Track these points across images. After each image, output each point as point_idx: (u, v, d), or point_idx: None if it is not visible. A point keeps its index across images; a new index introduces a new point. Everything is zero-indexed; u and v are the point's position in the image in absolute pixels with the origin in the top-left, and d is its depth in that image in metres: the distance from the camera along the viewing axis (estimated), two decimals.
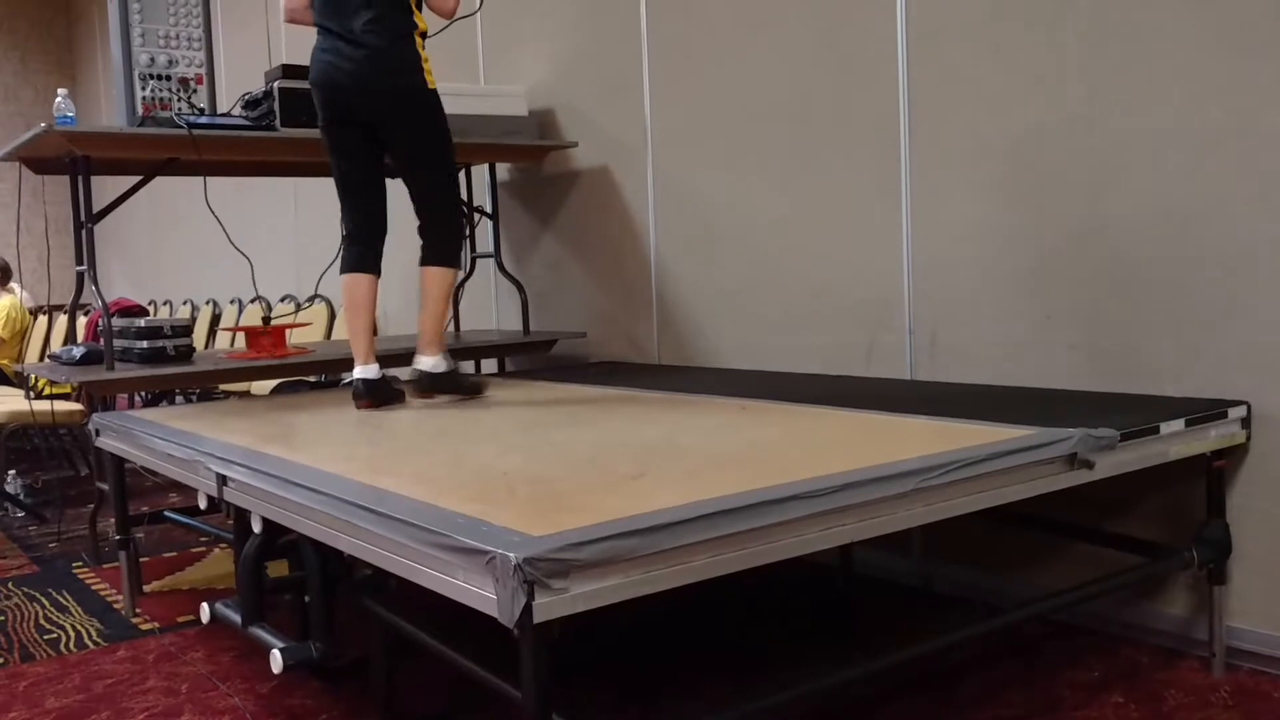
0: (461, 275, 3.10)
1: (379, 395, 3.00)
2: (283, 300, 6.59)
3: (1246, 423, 2.39)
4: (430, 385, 3.05)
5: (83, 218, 3.40)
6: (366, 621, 2.19)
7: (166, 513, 3.67)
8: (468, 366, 4.42)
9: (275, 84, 3.61)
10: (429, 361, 3.04)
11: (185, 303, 8.15)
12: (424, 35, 3.03)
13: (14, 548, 4.22)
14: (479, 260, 4.62)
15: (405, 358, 3.25)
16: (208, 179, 3.60)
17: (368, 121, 3.01)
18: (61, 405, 4.73)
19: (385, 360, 3.17)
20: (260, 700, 2.51)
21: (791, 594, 3.06)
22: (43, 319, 7.62)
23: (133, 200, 3.69)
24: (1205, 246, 2.45)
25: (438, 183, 3.09)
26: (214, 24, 3.78)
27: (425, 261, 3.07)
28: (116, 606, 3.31)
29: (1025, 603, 2.55)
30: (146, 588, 3.48)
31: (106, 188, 3.46)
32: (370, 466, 2.14)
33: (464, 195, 3.01)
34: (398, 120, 3.00)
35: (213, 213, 3.65)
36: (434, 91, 3.02)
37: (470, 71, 4.83)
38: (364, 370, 3.01)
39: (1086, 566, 2.64)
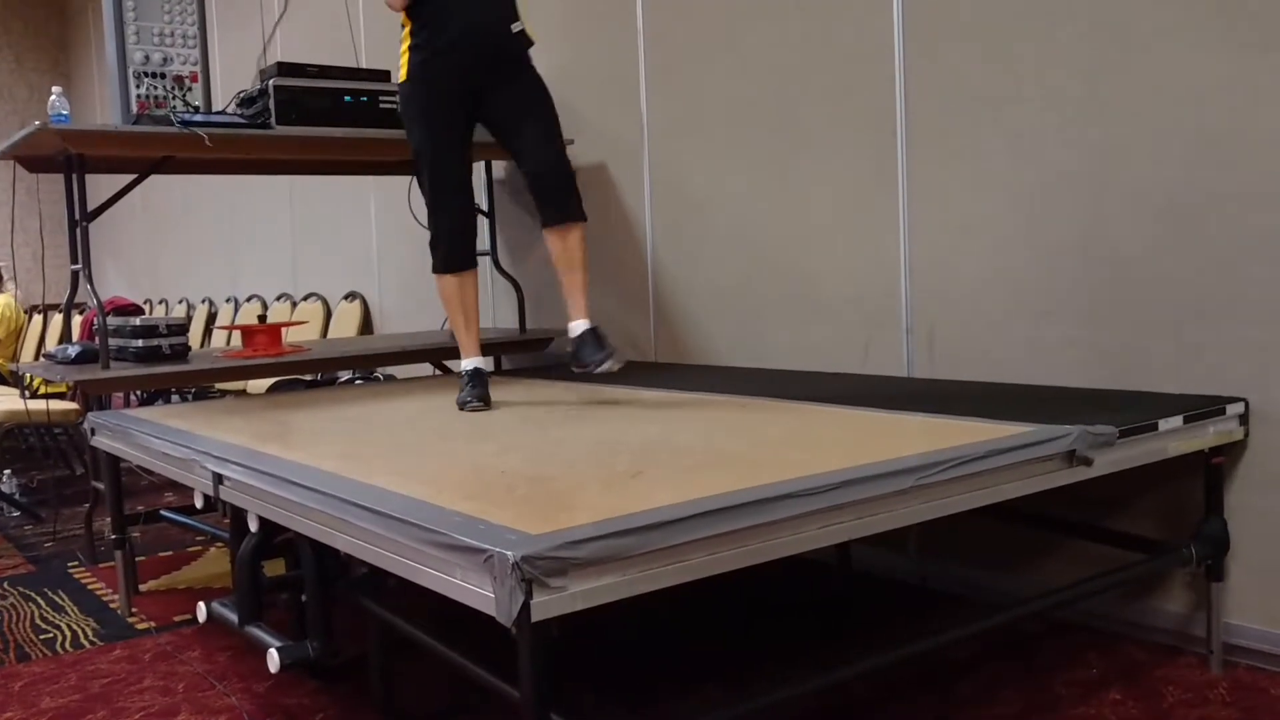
0: (449, 278, 3.09)
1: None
2: (279, 299, 6.58)
3: (1244, 419, 2.39)
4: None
5: (77, 216, 3.39)
6: (363, 620, 2.19)
7: (162, 512, 3.66)
8: None
9: (270, 82, 3.60)
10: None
11: (181, 301, 8.15)
12: (407, 27, 3.03)
13: (10, 547, 4.21)
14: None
15: (403, 355, 3.24)
16: (203, 176, 3.59)
17: None
18: (57, 404, 4.71)
19: (379, 359, 3.16)
20: (257, 699, 2.50)
21: (789, 591, 3.06)
22: (38, 318, 7.61)
23: (128, 199, 3.68)
24: (1203, 244, 2.45)
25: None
26: (209, 22, 3.77)
27: None
28: (112, 606, 3.30)
29: (1023, 600, 2.55)
30: (142, 587, 3.47)
31: (101, 186, 3.45)
32: (367, 465, 2.13)
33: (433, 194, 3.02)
34: None
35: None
36: (401, 84, 3.07)
37: None
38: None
39: (1085, 564, 2.64)
